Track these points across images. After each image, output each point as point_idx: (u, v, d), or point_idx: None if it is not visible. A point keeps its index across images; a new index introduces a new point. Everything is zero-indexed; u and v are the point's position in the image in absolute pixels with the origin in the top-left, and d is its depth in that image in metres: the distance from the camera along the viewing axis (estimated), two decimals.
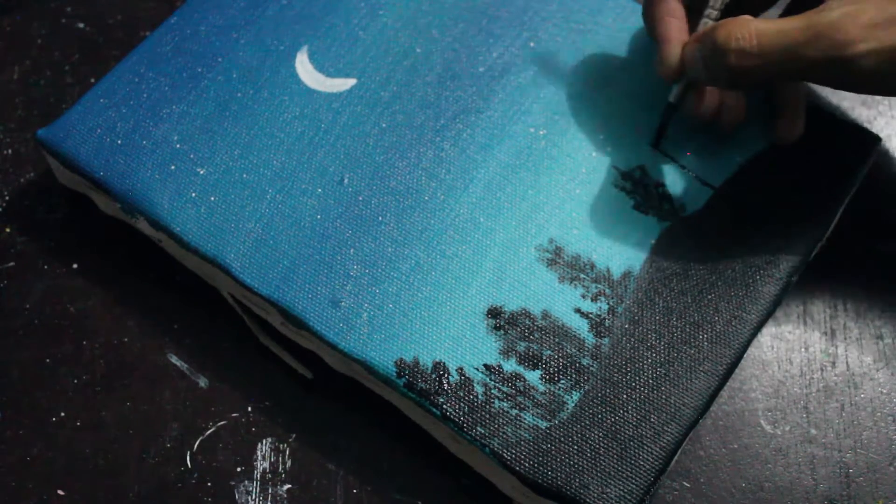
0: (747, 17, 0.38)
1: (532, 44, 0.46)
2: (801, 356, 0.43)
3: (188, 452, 0.41)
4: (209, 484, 0.40)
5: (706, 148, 0.44)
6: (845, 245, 0.45)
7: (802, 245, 0.42)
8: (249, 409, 0.42)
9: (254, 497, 0.40)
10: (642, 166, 0.43)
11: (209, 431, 0.41)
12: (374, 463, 0.41)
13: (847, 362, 0.43)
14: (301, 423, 0.42)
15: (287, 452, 0.41)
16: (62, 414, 0.42)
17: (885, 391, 0.43)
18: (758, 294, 0.40)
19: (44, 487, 0.40)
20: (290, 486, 0.40)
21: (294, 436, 0.41)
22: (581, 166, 0.43)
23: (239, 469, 0.41)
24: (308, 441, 0.41)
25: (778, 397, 0.43)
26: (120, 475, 0.40)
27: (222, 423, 0.42)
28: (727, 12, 0.41)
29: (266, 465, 0.41)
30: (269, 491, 0.40)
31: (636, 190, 0.43)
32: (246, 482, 0.40)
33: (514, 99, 0.44)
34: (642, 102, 0.45)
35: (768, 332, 0.44)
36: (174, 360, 0.43)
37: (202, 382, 0.42)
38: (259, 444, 0.41)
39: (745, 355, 0.41)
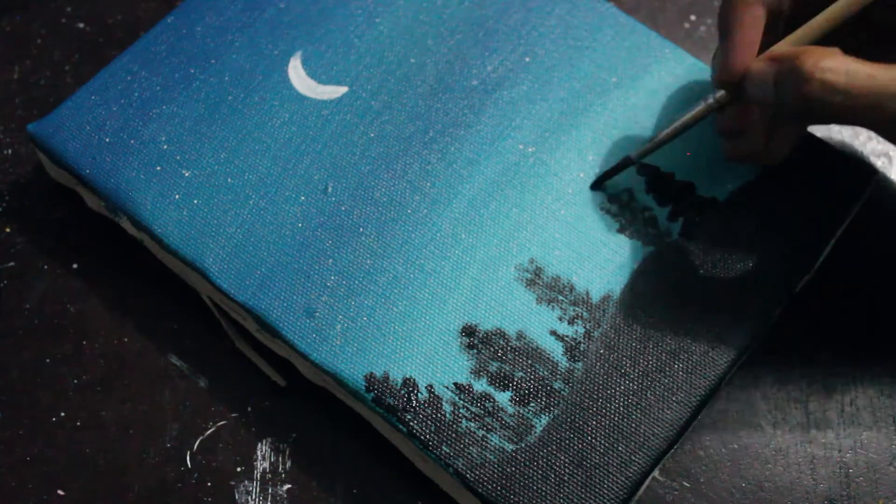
0: (837, 49, 0.35)
1: (528, 59, 0.45)
2: (801, 356, 0.43)
3: (188, 452, 0.41)
4: (209, 484, 0.40)
5: (696, 173, 0.43)
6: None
7: (789, 278, 0.41)
8: (249, 409, 0.42)
9: (254, 497, 0.40)
10: (630, 189, 0.43)
11: (209, 431, 0.41)
12: (374, 463, 0.41)
13: (848, 362, 0.43)
14: (301, 423, 0.42)
15: (287, 452, 0.41)
16: (62, 414, 0.42)
17: (885, 391, 0.42)
18: (738, 325, 0.40)
19: (44, 487, 0.40)
20: (290, 486, 0.40)
21: (294, 436, 0.41)
22: (568, 186, 0.43)
23: (239, 469, 0.41)
24: (308, 441, 0.41)
25: (778, 397, 0.42)
26: (120, 475, 0.41)
27: (222, 423, 0.42)
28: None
29: (266, 465, 0.41)
30: (269, 491, 0.40)
31: (622, 213, 0.42)
32: (246, 482, 0.40)
33: (506, 114, 0.44)
34: (636, 122, 0.44)
35: (770, 331, 0.43)
36: (174, 360, 0.43)
37: (202, 382, 0.43)
38: (259, 444, 0.41)
39: (745, 356, 0.40)
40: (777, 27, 0.40)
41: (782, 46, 0.38)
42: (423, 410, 0.38)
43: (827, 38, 0.38)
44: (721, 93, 0.39)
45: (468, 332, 0.39)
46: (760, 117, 0.41)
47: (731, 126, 0.41)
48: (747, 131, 0.41)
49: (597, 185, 0.43)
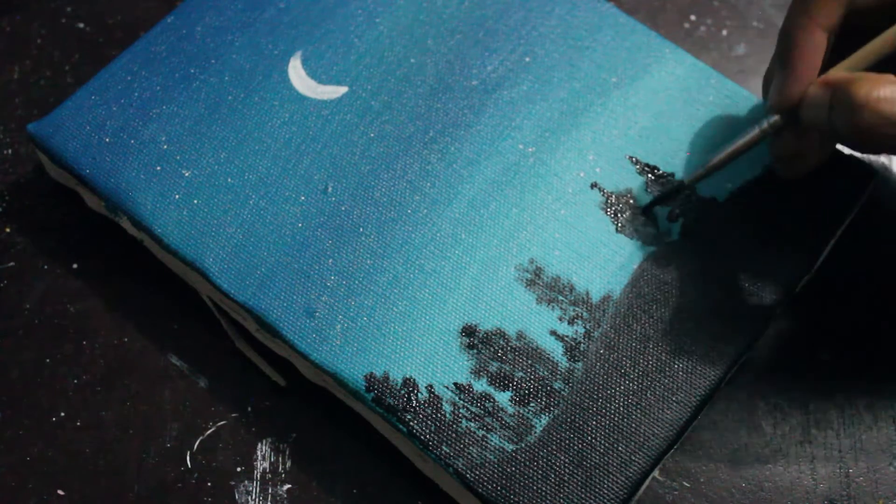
0: (891, 77, 0.34)
1: (528, 59, 0.45)
2: (801, 356, 0.43)
3: (188, 452, 0.41)
4: (209, 484, 0.40)
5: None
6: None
7: (788, 278, 0.41)
8: (249, 409, 0.42)
9: (254, 497, 0.40)
10: (630, 189, 0.43)
11: (209, 431, 0.41)
12: (374, 463, 0.41)
13: (848, 362, 0.43)
14: (301, 423, 0.42)
15: (287, 452, 0.41)
16: (62, 414, 0.42)
17: (885, 391, 0.42)
18: (738, 325, 0.40)
19: (44, 487, 0.40)
20: (290, 486, 0.40)
21: (294, 436, 0.41)
22: (568, 186, 0.43)
23: (239, 469, 0.41)
24: (308, 441, 0.41)
25: (778, 397, 0.42)
26: (120, 475, 0.41)
27: (222, 423, 0.42)
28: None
29: (266, 465, 0.41)
30: (269, 491, 0.40)
31: (622, 213, 0.42)
32: (246, 482, 0.40)
33: (506, 114, 0.44)
34: (636, 122, 0.44)
35: (770, 331, 0.43)
36: (174, 360, 0.43)
37: (202, 382, 0.43)
38: (259, 444, 0.41)
39: (745, 356, 0.40)
40: (828, 46, 0.39)
41: (838, 71, 0.37)
42: (423, 410, 0.38)
43: (883, 62, 0.37)
44: (775, 118, 0.39)
45: (468, 332, 0.39)
46: (816, 140, 0.40)
47: (787, 151, 0.40)
48: (802, 154, 0.40)
49: (647, 211, 0.42)
